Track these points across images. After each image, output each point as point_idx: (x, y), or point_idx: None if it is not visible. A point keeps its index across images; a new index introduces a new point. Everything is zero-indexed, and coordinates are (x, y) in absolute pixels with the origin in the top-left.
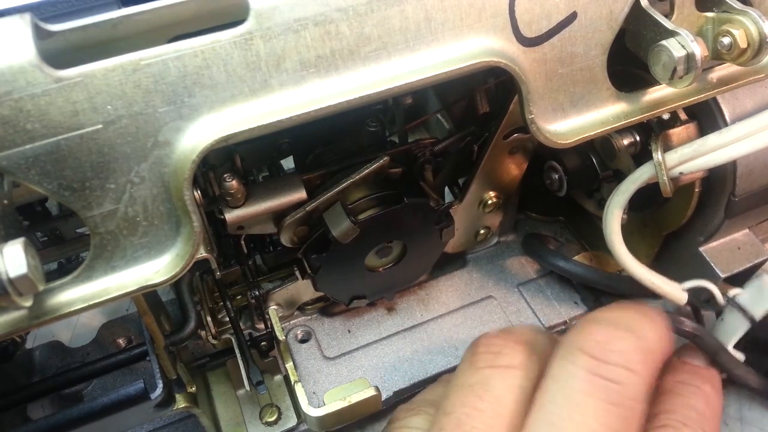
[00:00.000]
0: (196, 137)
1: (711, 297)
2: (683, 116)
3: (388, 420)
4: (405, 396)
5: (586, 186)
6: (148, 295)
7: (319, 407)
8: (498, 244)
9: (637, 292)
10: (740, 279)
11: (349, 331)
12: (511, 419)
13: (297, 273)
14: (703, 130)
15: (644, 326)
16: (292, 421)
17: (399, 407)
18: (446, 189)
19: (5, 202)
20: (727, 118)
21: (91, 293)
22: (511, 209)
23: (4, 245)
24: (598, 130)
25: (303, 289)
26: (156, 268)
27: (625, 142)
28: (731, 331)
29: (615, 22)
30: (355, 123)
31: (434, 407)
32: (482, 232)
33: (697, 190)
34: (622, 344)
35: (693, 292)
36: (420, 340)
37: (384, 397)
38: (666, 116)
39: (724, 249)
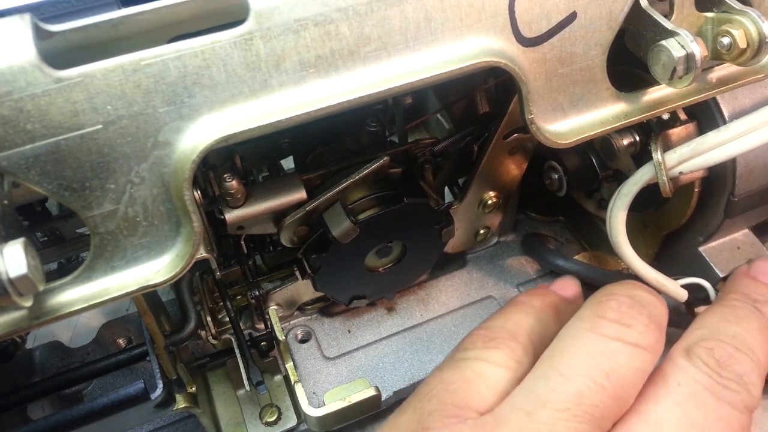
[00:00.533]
0: (196, 137)
1: (706, 295)
2: (683, 116)
3: (457, 346)
4: (405, 396)
5: (586, 186)
6: (148, 295)
7: (319, 407)
8: (498, 244)
9: None
10: None
11: (349, 331)
12: (627, 402)
13: (297, 273)
14: (702, 130)
15: (762, 346)
16: (292, 421)
17: (471, 332)
18: (446, 189)
19: (5, 202)
20: (727, 118)
21: (91, 293)
22: (511, 209)
23: (4, 245)
24: (598, 130)
25: (303, 289)
26: (156, 269)
27: (625, 142)
28: None
29: (615, 22)
30: (355, 123)
31: (516, 341)
32: (482, 232)
33: (696, 190)
34: (742, 367)
35: (689, 289)
36: (420, 340)
37: (384, 397)
38: (666, 116)
39: (723, 249)
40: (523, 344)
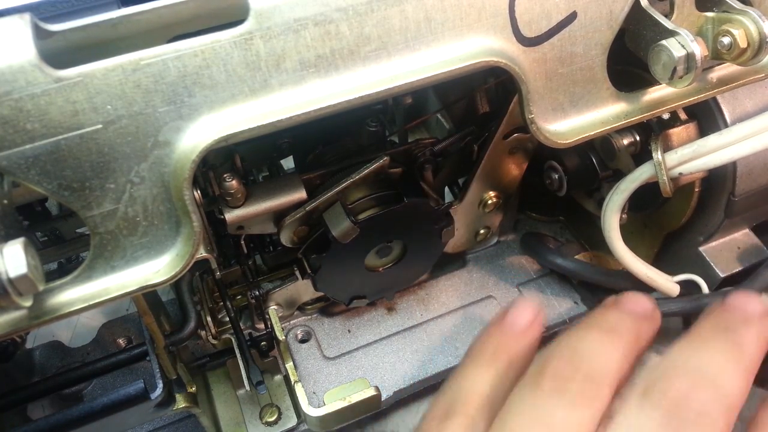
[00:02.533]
0: (196, 137)
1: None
2: (683, 116)
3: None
4: (405, 396)
5: (586, 186)
6: (148, 295)
7: (319, 407)
8: (498, 244)
9: (633, 289)
10: (740, 279)
11: (349, 331)
12: None
13: (297, 273)
14: (703, 130)
15: (728, 375)
16: (292, 421)
17: (425, 415)
18: (446, 189)
19: (5, 202)
20: (727, 118)
21: (91, 293)
22: (511, 209)
23: (4, 245)
24: (598, 130)
25: (303, 289)
26: (156, 268)
27: (625, 141)
28: None
29: (615, 21)
30: (355, 123)
31: (466, 408)
32: (482, 232)
33: (696, 190)
34: (703, 396)
35: (684, 286)
36: (420, 340)
37: (384, 396)
38: (666, 116)
39: (723, 249)
40: (477, 409)
